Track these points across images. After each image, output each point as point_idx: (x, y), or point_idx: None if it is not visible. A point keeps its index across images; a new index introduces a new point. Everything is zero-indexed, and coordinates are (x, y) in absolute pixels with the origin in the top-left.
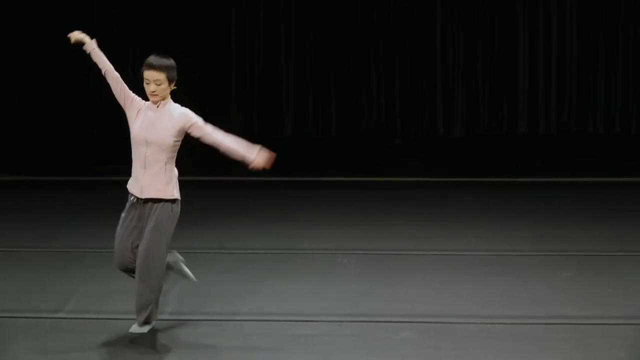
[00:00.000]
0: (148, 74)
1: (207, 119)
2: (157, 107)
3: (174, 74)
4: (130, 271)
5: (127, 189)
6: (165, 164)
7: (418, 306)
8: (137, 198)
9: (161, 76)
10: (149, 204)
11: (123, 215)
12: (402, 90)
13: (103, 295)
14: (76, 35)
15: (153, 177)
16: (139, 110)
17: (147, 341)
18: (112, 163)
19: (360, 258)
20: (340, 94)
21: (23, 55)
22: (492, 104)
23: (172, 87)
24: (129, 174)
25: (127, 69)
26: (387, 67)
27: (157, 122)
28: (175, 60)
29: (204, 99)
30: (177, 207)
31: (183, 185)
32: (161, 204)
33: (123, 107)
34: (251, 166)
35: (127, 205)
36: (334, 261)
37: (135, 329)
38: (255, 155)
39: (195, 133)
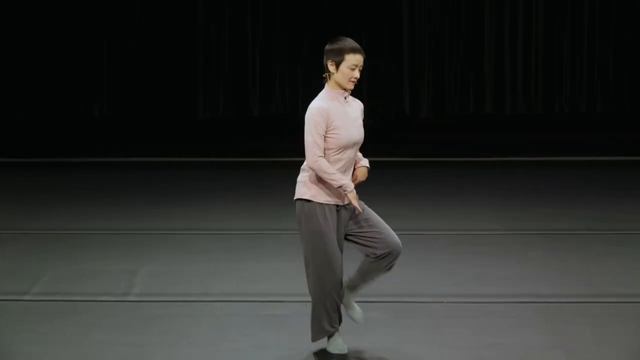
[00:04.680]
0: (357, 59)
1: (175, 100)
2: (346, 99)
3: None
4: (338, 293)
5: (307, 200)
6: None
7: (389, 285)
8: (338, 206)
9: (362, 61)
10: (345, 208)
11: (321, 228)
12: (369, 71)
13: (73, 277)
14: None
15: (349, 179)
16: (329, 115)
17: (116, 321)
18: (92, 145)
19: None
20: (307, 73)
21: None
22: (459, 85)
23: None
24: (111, 155)
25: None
26: None
27: (358, 120)
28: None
29: (170, 81)
30: None
31: (162, 166)
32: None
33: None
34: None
35: (320, 218)
36: None
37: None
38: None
39: None
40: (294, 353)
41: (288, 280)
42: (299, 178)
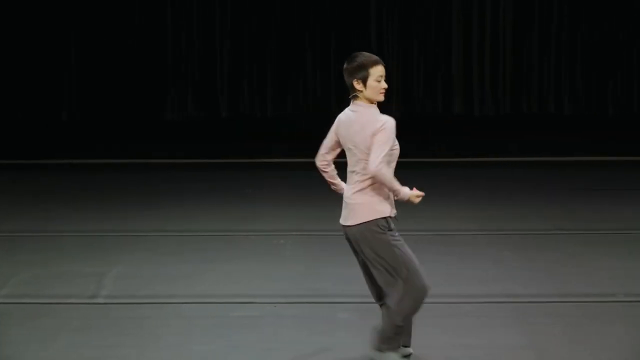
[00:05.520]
0: (380, 70)
1: (143, 101)
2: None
3: None
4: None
5: (381, 219)
6: None
7: (359, 286)
8: (392, 217)
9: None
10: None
11: (398, 238)
12: (338, 71)
13: (42, 280)
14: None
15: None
16: None
17: (85, 324)
18: (61, 148)
19: (303, 239)
20: (275, 75)
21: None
22: (427, 85)
23: None
24: (78, 156)
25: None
26: (323, 49)
27: None
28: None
29: (138, 82)
30: None
31: (133, 167)
32: None
33: None
34: None
35: (392, 228)
36: (275, 243)
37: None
38: None
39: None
40: (265, 354)
41: (259, 281)
42: (357, 200)
